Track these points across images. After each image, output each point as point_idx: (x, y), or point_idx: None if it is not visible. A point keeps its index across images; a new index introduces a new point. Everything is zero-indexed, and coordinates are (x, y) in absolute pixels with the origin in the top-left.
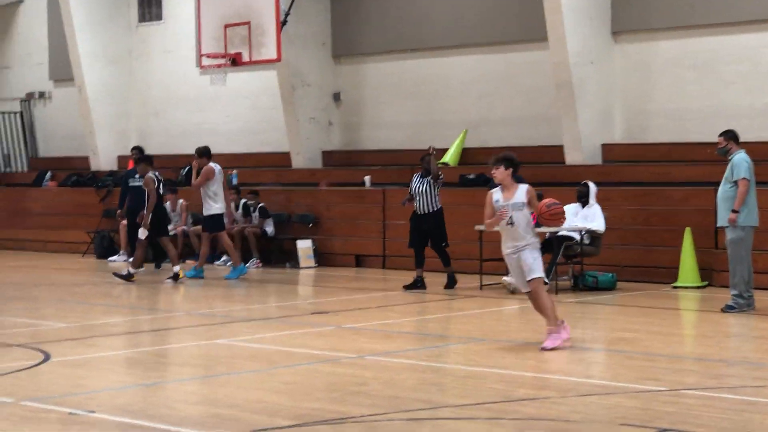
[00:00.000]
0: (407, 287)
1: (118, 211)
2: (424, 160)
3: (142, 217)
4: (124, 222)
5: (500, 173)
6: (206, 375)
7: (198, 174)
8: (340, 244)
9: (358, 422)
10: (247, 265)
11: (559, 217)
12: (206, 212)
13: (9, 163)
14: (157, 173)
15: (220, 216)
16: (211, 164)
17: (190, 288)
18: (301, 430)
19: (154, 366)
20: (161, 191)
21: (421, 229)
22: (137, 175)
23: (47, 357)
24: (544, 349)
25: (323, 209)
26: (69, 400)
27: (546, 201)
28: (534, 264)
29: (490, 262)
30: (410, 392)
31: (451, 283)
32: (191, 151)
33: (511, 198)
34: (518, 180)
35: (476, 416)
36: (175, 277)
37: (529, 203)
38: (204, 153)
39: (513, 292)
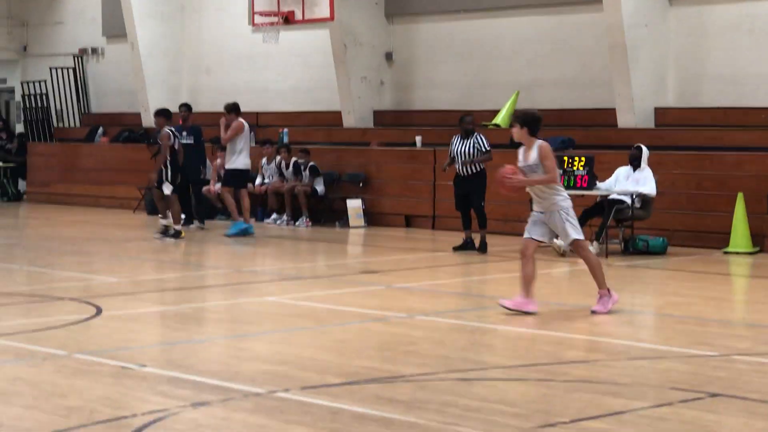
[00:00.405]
0: (456, 248)
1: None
2: (464, 121)
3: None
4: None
5: (516, 132)
6: (256, 332)
7: (226, 130)
8: (390, 204)
9: (409, 381)
10: (297, 223)
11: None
12: (229, 166)
13: (62, 118)
14: (173, 128)
15: (242, 171)
16: (240, 120)
17: (239, 245)
18: (351, 388)
19: (204, 322)
20: (176, 146)
21: (464, 191)
22: (184, 132)
23: (99, 311)
24: (594, 312)
25: (373, 169)
26: (121, 354)
27: (508, 169)
28: (566, 228)
29: None
30: (460, 352)
31: (483, 248)
32: (242, 108)
33: (528, 159)
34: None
35: (526, 377)
36: (176, 234)
37: (542, 161)
38: (233, 109)
39: (563, 254)
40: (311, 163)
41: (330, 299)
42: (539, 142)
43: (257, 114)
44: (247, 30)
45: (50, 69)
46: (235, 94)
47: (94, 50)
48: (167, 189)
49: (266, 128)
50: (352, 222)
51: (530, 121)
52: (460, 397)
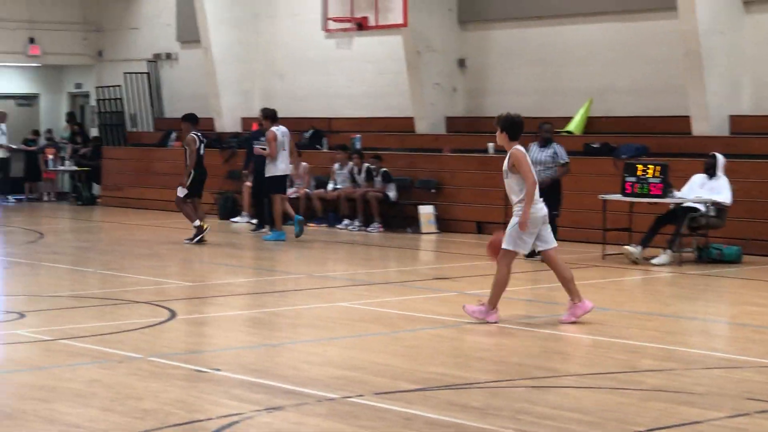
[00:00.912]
0: (528, 255)
1: (243, 172)
2: (542, 129)
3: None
4: (248, 183)
5: (497, 136)
6: (329, 337)
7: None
8: (462, 211)
9: (482, 388)
10: (369, 229)
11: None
12: (268, 174)
13: (135, 122)
14: (199, 134)
15: (281, 178)
16: (273, 128)
17: (310, 250)
18: (424, 394)
19: (277, 327)
20: (201, 152)
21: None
22: (262, 137)
23: (173, 315)
24: (561, 322)
25: (446, 175)
26: (195, 357)
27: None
28: (508, 232)
29: (612, 231)
30: (533, 359)
31: None
32: (315, 114)
33: (504, 164)
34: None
35: (600, 385)
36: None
37: (511, 169)
38: (269, 115)
39: (635, 261)
40: (383, 169)
41: (402, 305)
42: (514, 147)
43: (329, 120)
44: (321, 36)
45: (125, 74)
46: (307, 99)
47: (168, 55)
48: (181, 192)
49: (338, 134)
50: (423, 228)
51: (508, 125)
52: (533, 405)
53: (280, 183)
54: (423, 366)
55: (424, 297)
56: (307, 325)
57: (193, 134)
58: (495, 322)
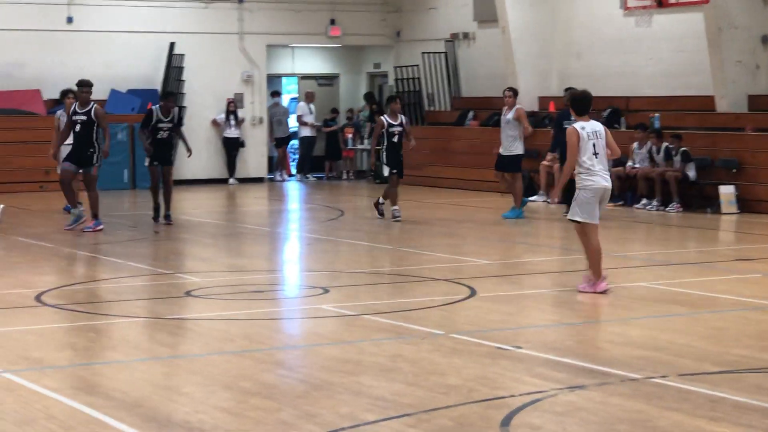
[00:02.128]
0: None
1: (550, 155)
2: None
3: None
4: (545, 162)
5: None
6: (630, 317)
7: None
8: (765, 191)
9: None
10: (667, 209)
11: None
12: (506, 153)
13: (433, 102)
14: (384, 116)
15: (518, 156)
16: (520, 106)
17: (608, 230)
18: (730, 376)
19: (577, 305)
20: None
21: None
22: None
23: (473, 292)
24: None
25: (748, 155)
26: (496, 334)
27: None
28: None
29: None
30: None
31: None
32: (613, 93)
33: None
34: None
35: None
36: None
37: None
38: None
39: None
40: (683, 149)
41: (703, 286)
42: None
43: (627, 99)
44: (619, 13)
45: (422, 54)
46: (605, 78)
47: (465, 35)
48: (386, 171)
49: (636, 113)
50: (724, 208)
51: None
52: None
53: (520, 161)
54: (728, 348)
55: (725, 278)
56: (608, 305)
57: (383, 118)
58: (604, 291)
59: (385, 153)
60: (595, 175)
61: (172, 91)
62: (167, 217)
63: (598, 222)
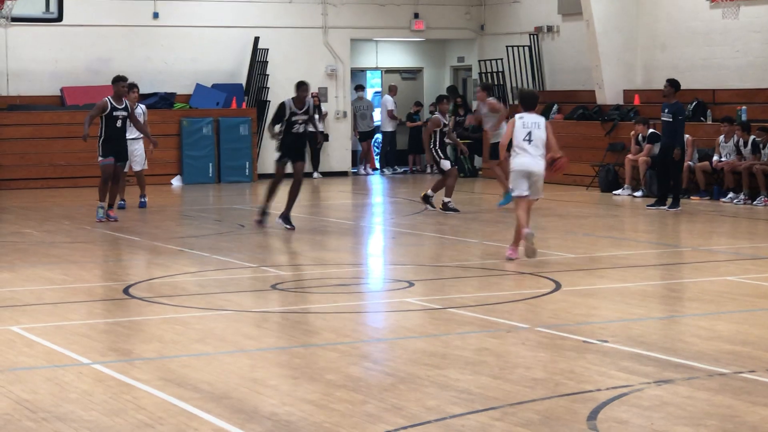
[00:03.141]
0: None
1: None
2: None
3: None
4: (629, 156)
5: None
6: (717, 311)
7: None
8: None
9: None
10: (755, 202)
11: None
12: (493, 140)
13: (517, 95)
14: (438, 114)
15: (496, 144)
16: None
17: (694, 224)
18: None
19: (664, 300)
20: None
21: None
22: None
23: (558, 286)
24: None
25: None
26: (582, 328)
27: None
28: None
29: None
30: None
31: None
32: (698, 85)
33: None
34: None
35: None
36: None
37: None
38: (486, 88)
39: None
40: None
41: None
42: None
43: (713, 91)
44: (705, 6)
45: (506, 47)
46: (690, 70)
47: (549, 28)
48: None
49: (723, 105)
50: None
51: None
52: None
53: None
54: None
55: None
56: (694, 299)
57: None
58: (508, 257)
59: (440, 149)
60: (525, 156)
61: (304, 81)
62: (287, 219)
63: (527, 195)
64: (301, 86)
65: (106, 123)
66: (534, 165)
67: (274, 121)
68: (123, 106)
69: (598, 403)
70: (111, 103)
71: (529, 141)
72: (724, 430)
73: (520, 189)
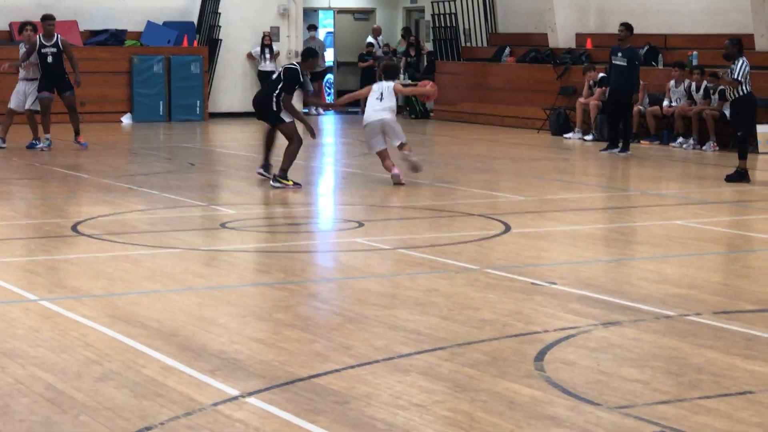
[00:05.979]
0: None
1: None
2: None
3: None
4: (581, 99)
5: None
6: (665, 254)
7: None
8: None
9: None
10: (704, 147)
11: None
12: None
13: (469, 37)
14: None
15: None
16: None
17: (643, 168)
18: (764, 315)
19: (612, 243)
20: None
21: None
22: (619, 53)
23: (508, 228)
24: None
25: None
26: (530, 270)
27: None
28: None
29: None
30: None
31: None
32: (651, 30)
33: None
34: None
35: None
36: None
37: None
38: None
39: None
40: (720, 87)
41: (739, 225)
42: None
43: (665, 36)
44: None
45: None
46: (643, 15)
47: None
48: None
49: (674, 51)
50: (761, 148)
51: None
52: None
53: None
54: (763, 287)
55: (762, 217)
56: (642, 242)
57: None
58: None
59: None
60: (372, 114)
61: (314, 51)
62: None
63: (384, 148)
64: (313, 56)
65: (39, 59)
66: (379, 115)
67: (291, 90)
68: (52, 42)
69: (546, 344)
70: (40, 41)
71: (380, 99)
72: (669, 371)
73: (374, 147)
